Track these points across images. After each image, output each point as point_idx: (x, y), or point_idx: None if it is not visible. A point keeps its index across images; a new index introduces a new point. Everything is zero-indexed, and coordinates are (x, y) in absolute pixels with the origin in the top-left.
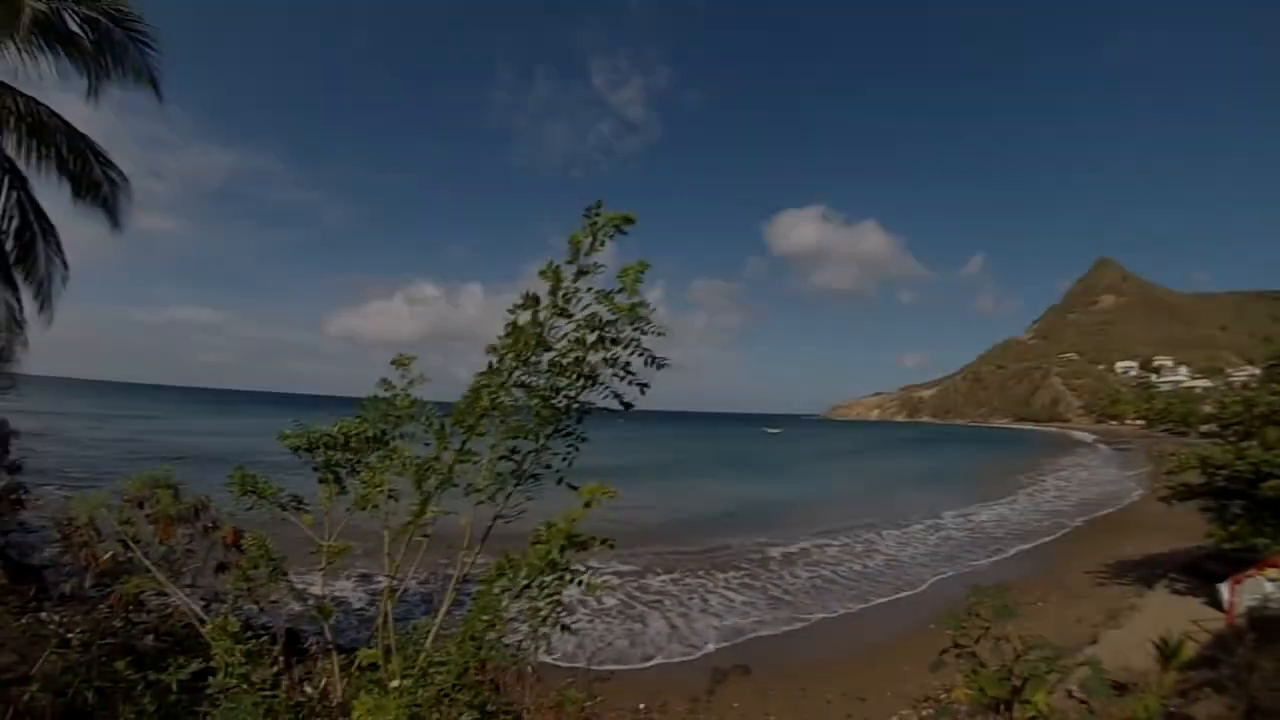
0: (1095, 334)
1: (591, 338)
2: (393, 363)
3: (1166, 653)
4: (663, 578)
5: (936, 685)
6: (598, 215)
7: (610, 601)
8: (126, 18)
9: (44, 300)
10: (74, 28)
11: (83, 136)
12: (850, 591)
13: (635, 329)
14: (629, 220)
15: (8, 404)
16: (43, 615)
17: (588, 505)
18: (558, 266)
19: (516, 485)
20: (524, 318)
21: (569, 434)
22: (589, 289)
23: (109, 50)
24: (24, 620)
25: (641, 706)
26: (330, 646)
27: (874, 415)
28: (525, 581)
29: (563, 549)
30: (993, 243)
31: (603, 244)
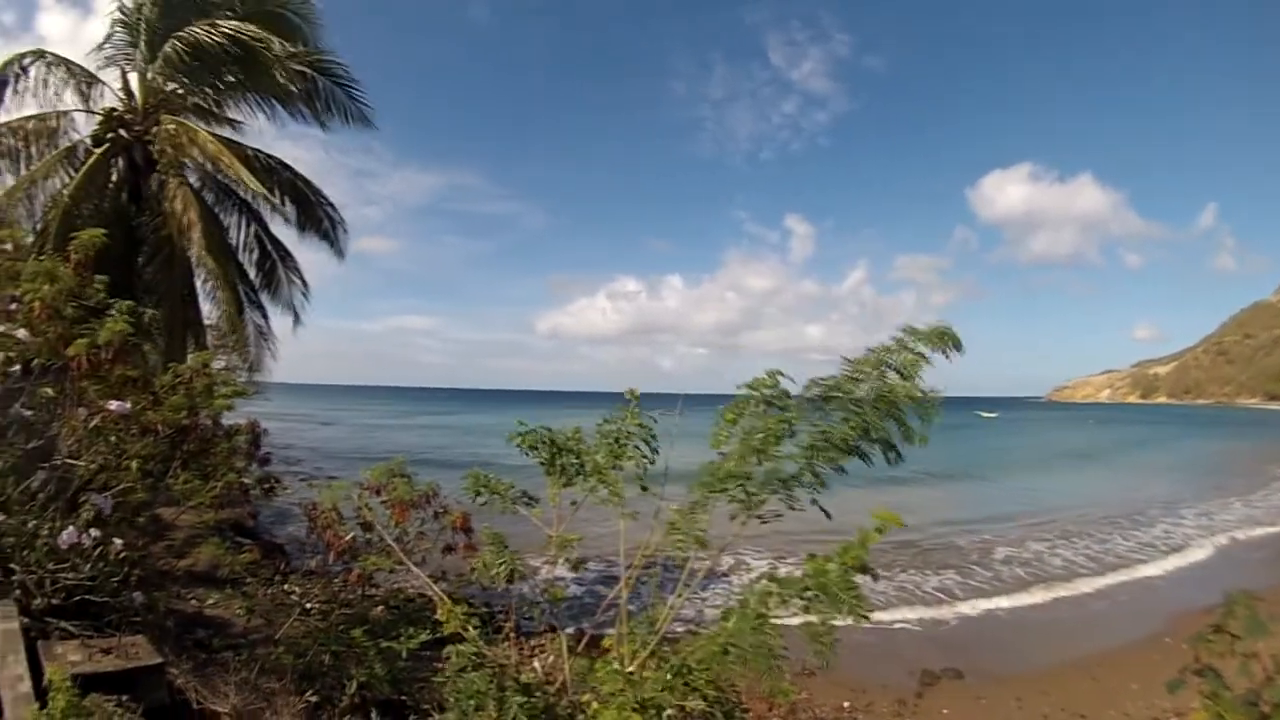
0: None
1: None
2: (626, 394)
3: None
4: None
5: (1167, 707)
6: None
7: None
8: (331, 67)
9: (292, 316)
10: (281, 79)
11: (304, 180)
12: (1072, 594)
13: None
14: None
15: (258, 407)
16: (286, 587)
17: (879, 530)
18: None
19: (774, 493)
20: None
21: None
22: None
23: (318, 97)
24: (271, 590)
25: (846, 705)
26: (558, 629)
27: (1103, 396)
28: (798, 594)
29: (848, 571)
30: (1228, 188)
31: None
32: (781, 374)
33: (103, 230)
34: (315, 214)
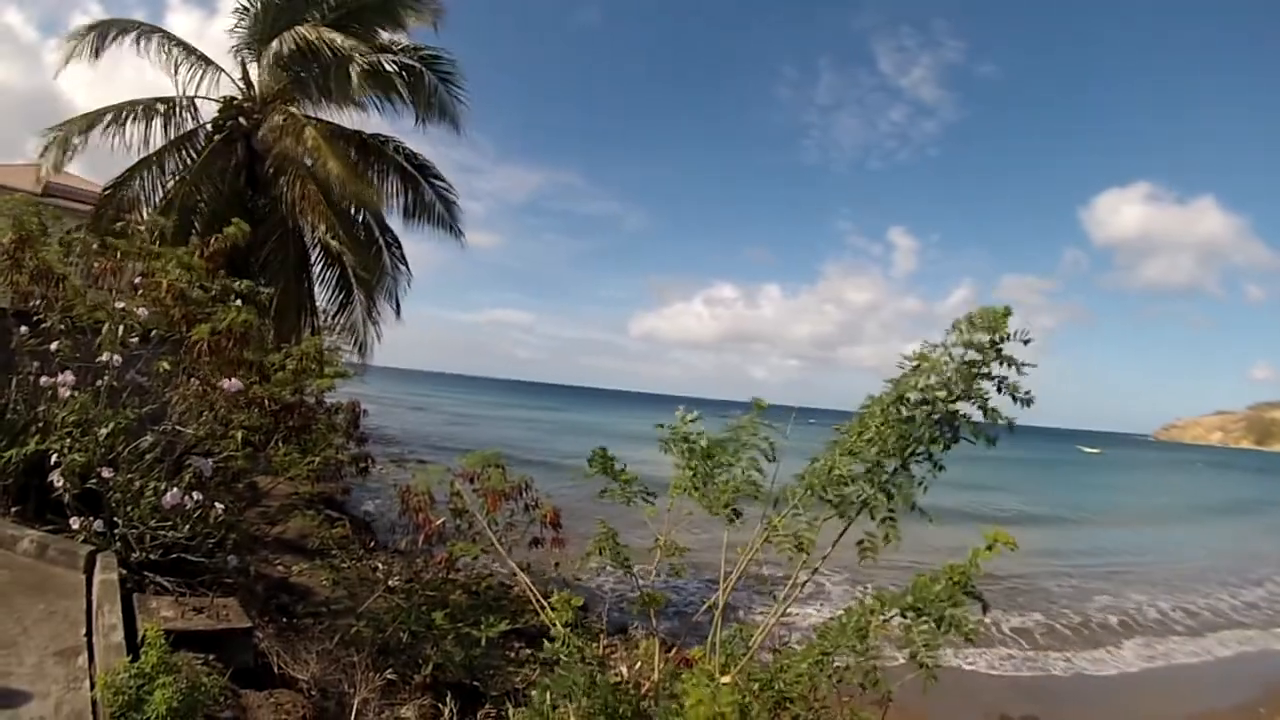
0: None
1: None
2: (754, 402)
3: None
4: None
5: None
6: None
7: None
8: (438, 62)
9: (393, 303)
10: (390, 68)
11: (419, 163)
12: (1165, 651)
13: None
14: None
15: (356, 388)
16: (371, 563)
17: (990, 549)
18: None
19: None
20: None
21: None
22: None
23: (421, 90)
24: (358, 565)
25: None
26: (654, 633)
27: (1214, 438)
28: (901, 611)
29: (954, 591)
30: None
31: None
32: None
33: (247, 228)
34: (426, 198)
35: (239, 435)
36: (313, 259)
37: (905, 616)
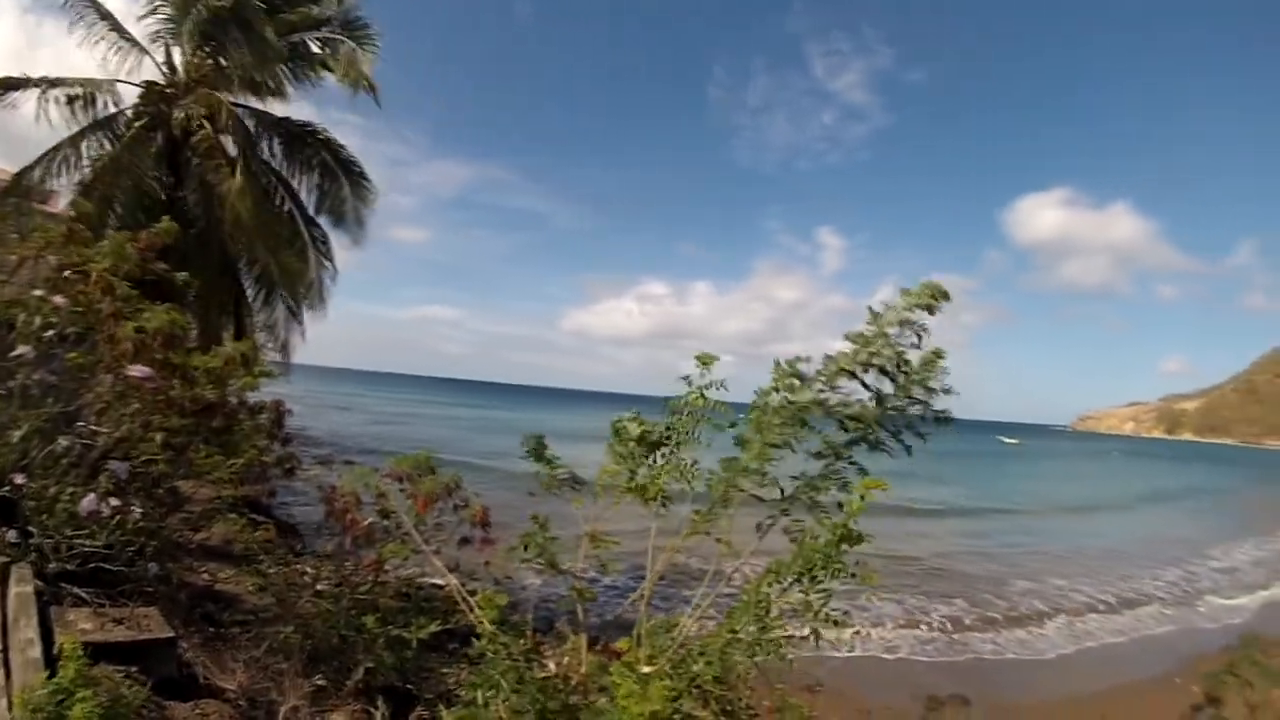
0: None
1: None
2: (696, 358)
3: None
4: (879, 596)
5: None
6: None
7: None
8: (357, 28)
9: (319, 299)
10: (315, 49)
11: (335, 150)
12: (1089, 627)
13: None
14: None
15: (280, 387)
16: (299, 567)
17: (862, 498)
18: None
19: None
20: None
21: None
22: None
23: (346, 66)
24: (284, 570)
25: None
26: (580, 628)
27: (1128, 428)
28: (794, 576)
29: (839, 541)
30: (1266, 225)
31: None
32: (803, 359)
33: (177, 226)
34: (342, 193)
35: (158, 438)
36: (237, 252)
37: (801, 582)
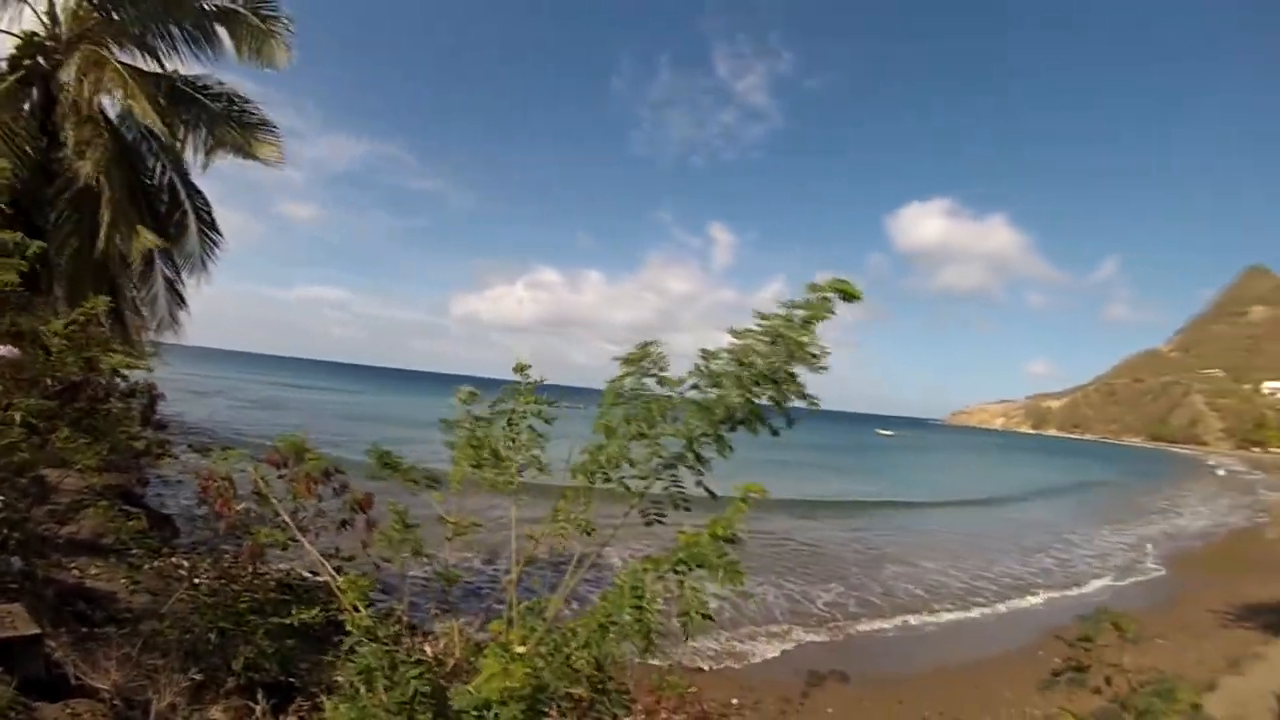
0: (1242, 349)
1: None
2: (515, 369)
3: None
4: (759, 574)
5: (1039, 714)
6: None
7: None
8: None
9: (200, 275)
10: (218, 19)
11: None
12: (959, 605)
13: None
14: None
15: (158, 369)
16: (174, 560)
17: (744, 501)
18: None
19: (656, 477)
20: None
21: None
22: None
23: (245, 34)
24: (158, 563)
25: (735, 701)
26: (451, 613)
27: (998, 424)
28: (671, 568)
29: (719, 540)
30: (1129, 244)
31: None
32: (656, 343)
33: (8, 165)
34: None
35: (18, 418)
36: (108, 219)
37: (678, 571)
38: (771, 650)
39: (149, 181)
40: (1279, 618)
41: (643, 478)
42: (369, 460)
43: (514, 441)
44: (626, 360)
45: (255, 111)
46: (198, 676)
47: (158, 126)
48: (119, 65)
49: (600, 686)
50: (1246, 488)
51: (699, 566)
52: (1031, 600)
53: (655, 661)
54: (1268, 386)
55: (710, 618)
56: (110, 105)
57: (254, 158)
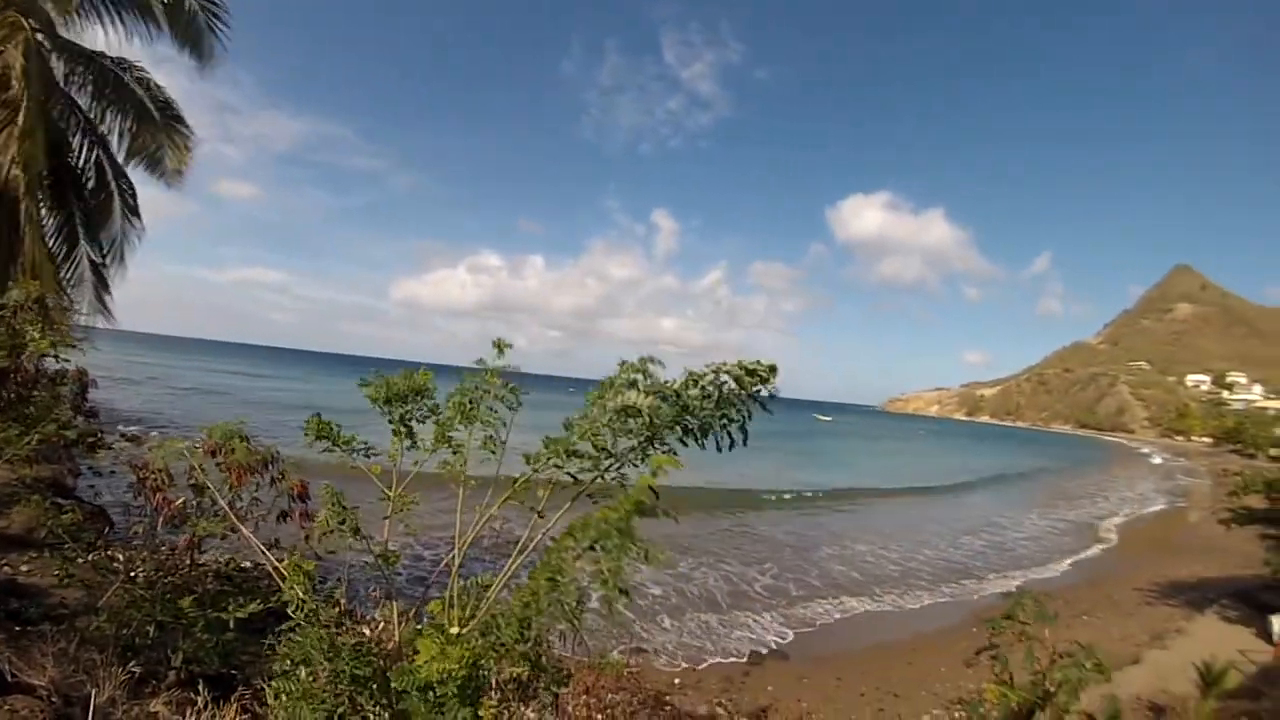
0: (1167, 343)
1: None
2: (495, 344)
3: (1208, 679)
4: (700, 560)
5: (971, 688)
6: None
7: (652, 589)
8: None
9: (118, 256)
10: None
11: (160, 101)
12: (895, 588)
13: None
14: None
15: (87, 356)
16: (110, 553)
17: (654, 474)
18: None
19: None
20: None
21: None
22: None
23: (179, 15)
24: (93, 557)
25: (676, 681)
26: (390, 594)
27: (933, 410)
28: (589, 544)
29: (630, 513)
30: (1062, 242)
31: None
32: (654, 361)
33: None
34: (157, 142)
35: None
36: (32, 205)
37: (595, 549)
38: (714, 634)
39: (73, 162)
40: (1200, 595)
41: (591, 471)
42: (305, 434)
43: (468, 423)
44: (624, 369)
45: (174, 109)
46: (137, 670)
47: (81, 105)
48: (38, 36)
49: (536, 664)
50: (1169, 473)
51: (618, 534)
52: (966, 583)
53: (616, 646)
54: (1191, 379)
55: (626, 593)
56: (29, 80)
57: (161, 171)
